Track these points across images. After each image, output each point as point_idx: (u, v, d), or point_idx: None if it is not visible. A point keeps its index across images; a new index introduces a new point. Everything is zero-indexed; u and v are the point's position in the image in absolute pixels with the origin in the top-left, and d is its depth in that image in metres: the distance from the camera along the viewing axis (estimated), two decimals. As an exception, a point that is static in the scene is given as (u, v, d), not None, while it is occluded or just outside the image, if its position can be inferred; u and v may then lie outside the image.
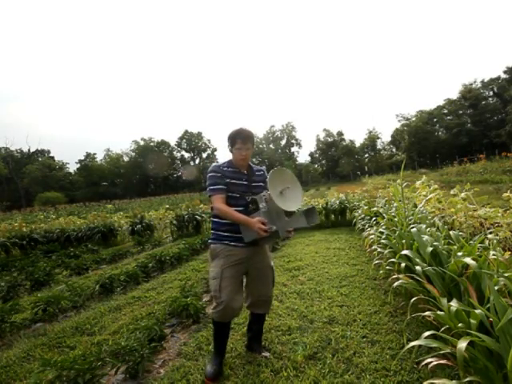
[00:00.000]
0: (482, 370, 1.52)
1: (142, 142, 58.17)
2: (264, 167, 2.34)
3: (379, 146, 52.50)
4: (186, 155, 62.13)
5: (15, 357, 2.65)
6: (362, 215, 6.01)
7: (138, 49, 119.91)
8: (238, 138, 2.09)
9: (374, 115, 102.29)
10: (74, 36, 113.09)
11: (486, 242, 2.79)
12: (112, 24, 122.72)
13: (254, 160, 56.93)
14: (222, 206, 2.04)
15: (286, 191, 2.07)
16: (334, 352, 2.25)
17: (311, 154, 56.58)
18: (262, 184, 2.22)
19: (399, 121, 48.01)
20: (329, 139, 52.80)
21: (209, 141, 62.14)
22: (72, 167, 56.09)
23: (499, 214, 3.29)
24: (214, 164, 2.18)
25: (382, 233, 3.76)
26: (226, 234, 2.12)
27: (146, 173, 53.61)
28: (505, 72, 39.27)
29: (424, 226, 2.94)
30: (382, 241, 3.53)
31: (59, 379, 1.92)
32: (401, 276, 2.45)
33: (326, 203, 8.40)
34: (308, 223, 2.02)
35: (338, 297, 3.27)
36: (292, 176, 2.17)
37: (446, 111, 44.44)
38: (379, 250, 3.50)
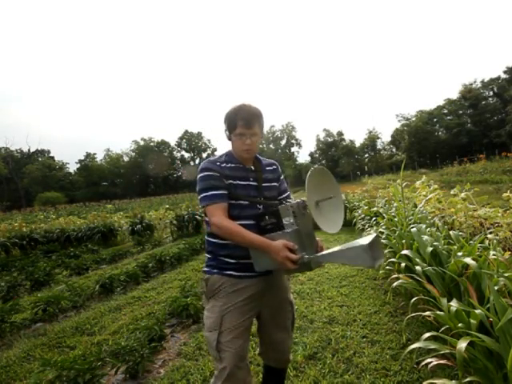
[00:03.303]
0: (482, 370, 1.52)
1: (141, 142, 58.19)
2: (275, 161, 1.65)
3: (379, 146, 52.48)
4: (186, 155, 62.28)
5: (15, 357, 2.65)
6: (362, 215, 6.00)
7: (138, 49, 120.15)
8: (239, 120, 1.43)
9: (373, 115, 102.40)
10: (74, 36, 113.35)
11: (486, 242, 2.79)
12: (112, 24, 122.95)
13: (254, 160, 57.18)
14: (226, 221, 1.37)
15: (325, 204, 1.41)
16: (334, 352, 2.26)
17: (311, 154, 56.61)
18: (275, 184, 1.58)
19: (399, 121, 48.00)
20: (329, 139, 52.75)
21: (209, 141, 62.42)
22: (72, 167, 56.19)
23: (499, 214, 3.29)
24: (206, 160, 1.51)
25: (381, 233, 3.76)
26: (228, 259, 1.44)
27: (146, 173, 53.61)
28: (505, 72, 39.23)
29: (424, 226, 2.94)
30: (382, 241, 3.52)
31: (59, 379, 1.93)
32: (401, 276, 2.45)
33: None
34: (373, 262, 1.20)
35: (338, 297, 3.27)
36: (334, 181, 1.50)
37: (446, 111, 44.40)
38: (379, 249, 3.50)
